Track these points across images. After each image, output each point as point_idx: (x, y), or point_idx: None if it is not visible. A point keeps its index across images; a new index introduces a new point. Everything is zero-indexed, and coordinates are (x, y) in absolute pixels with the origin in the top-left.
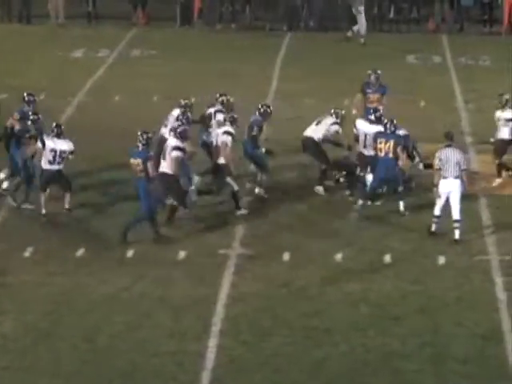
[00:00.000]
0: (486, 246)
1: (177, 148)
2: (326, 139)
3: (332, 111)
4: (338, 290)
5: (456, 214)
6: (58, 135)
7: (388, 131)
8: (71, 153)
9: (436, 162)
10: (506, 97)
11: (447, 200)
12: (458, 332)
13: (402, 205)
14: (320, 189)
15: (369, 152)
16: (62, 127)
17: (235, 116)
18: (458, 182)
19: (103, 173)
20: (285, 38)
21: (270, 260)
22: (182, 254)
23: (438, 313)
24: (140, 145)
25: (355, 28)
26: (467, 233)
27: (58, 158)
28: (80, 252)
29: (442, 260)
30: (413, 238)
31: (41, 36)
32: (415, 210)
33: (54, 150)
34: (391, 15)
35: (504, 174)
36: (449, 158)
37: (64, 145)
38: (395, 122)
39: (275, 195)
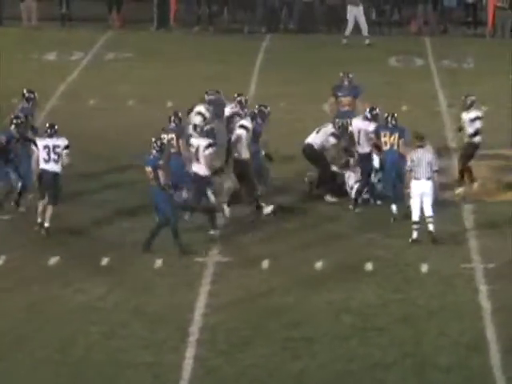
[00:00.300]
0: (470, 253)
1: (209, 145)
2: (325, 148)
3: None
4: (319, 299)
5: (428, 211)
6: (51, 136)
7: (389, 125)
8: (66, 147)
9: (408, 164)
10: (472, 98)
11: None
12: (441, 341)
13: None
14: (329, 197)
15: (363, 149)
16: (56, 127)
17: (256, 111)
18: (430, 183)
19: (75, 179)
20: (264, 40)
21: (249, 268)
22: (158, 262)
23: (421, 322)
24: (154, 151)
25: (364, 33)
26: (451, 240)
27: (52, 154)
28: (54, 260)
29: (424, 268)
30: (396, 245)
31: (13, 38)
32: (400, 216)
33: (47, 147)
34: (373, 17)
35: (466, 182)
36: (420, 159)
37: (57, 140)
38: (396, 115)
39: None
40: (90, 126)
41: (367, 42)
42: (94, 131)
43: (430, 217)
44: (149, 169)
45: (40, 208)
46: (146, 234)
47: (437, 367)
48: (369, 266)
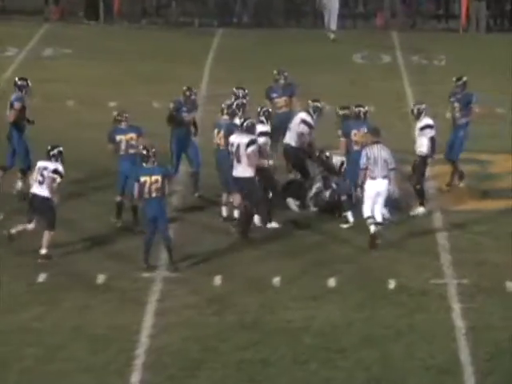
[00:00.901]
0: (442, 267)
1: (251, 142)
2: (303, 143)
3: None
4: (277, 318)
5: (378, 216)
6: (49, 158)
7: (361, 120)
8: (55, 172)
9: (363, 161)
10: (420, 106)
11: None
12: (410, 364)
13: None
14: (292, 202)
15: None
16: (57, 150)
17: (270, 110)
18: (386, 182)
19: (8, 185)
20: (216, 34)
21: (200, 284)
22: (100, 278)
23: (389, 343)
24: (151, 160)
25: (332, 27)
26: (420, 253)
27: (38, 176)
28: None
29: (392, 284)
30: (361, 258)
31: None
32: (366, 228)
33: (39, 168)
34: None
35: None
36: (376, 156)
37: (48, 163)
38: (366, 109)
39: (206, 210)
40: (26, 128)
41: (332, 36)
42: (29, 133)
43: (379, 224)
44: (154, 178)
45: (20, 227)
46: (85, 248)
47: None
48: (332, 282)
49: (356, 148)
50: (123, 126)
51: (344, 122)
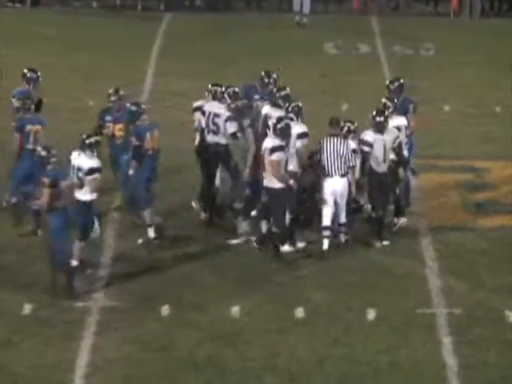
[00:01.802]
0: (430, 294)
1: (276, 148)
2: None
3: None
4: (235, 355)
5: (341, 216)
6: (83, 149)
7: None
8: (90, 172)
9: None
10: (388, 103)
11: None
12: None
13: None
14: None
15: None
16: (93, 139)
17: (300, 104)
18: (344, 181)
19: None
20: (163, 20)
21: (144, 315)
22: (26, 308)
23: (367, 383)
24: (52, 162)
25: (305, 10)
26: (405, 277)
27: (75, 178)
28: None
29: (371, 314)
30: (334, 283)
31: None
32: (338, 250)
33: (73, 168)
34: None
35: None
36: (332, 151)
37: (81, 161)
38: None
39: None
40: None
41: (304, 20)
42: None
43: (341, 225)
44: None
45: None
46: (8, 273)
47: None
48: (300, 312)
49: None
50: (30, 114)
51: None
